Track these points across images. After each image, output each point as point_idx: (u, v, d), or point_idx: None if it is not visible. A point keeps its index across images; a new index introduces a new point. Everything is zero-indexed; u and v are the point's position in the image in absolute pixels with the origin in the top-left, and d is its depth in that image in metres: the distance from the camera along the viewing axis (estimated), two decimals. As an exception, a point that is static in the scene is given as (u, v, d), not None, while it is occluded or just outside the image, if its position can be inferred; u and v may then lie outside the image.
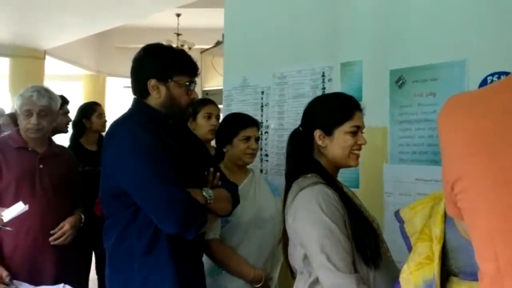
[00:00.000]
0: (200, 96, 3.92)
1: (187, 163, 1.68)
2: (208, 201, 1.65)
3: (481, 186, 0.76)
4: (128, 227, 1.62)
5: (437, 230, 1.25)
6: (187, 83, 1.69)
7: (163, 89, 1.67)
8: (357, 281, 1.36)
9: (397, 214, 1.37)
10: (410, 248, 1.31)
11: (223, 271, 2.02)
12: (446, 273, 1.27)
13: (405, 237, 1.35)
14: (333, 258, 1.37)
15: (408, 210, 1.42)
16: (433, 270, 1.22)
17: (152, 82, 1.66)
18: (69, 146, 3.29)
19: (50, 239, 2.20)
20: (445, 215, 1.24)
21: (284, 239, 1.59)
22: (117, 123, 1.72)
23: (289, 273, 1.63)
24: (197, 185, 1.69)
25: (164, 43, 1.91)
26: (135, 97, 1.75)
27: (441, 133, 0.85)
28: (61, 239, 2.21)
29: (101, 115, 3.45)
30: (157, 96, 1.68)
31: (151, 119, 1.67)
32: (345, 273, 1.36)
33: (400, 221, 1.36)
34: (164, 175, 1.55)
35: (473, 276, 1.12)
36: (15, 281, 2.02)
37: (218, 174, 1.80)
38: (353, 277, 1.36)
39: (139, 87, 1.70)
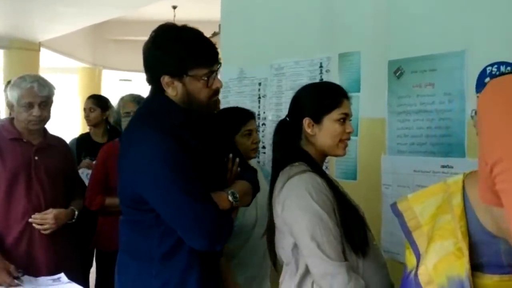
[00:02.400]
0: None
1: (208, 160, 1.58)
2: (234, 205, 1.58)
3: None
4: (149, 231, 1.52)
5: (461, 225, 1.17)
6: (205, 76, 1.49)
7: (178, 85, 1.49)
8: (347, 269, 1.36)
9: (394, 207, 1.28)
10: (413, 244, 1.23)
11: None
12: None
13: (407, 232, 1.26)
14: (324, 247, 1.36)
15: (407, 202, 1.31)
16: (464, 266, 1.14)
17: (165, 79, 1.48)
18: (80, 135, 3.47)
19: (30, 220, 2.12)
20: (466, 209, 1.17)
21: (269, 230, 1.57)
22: (138, 126, 1.55)
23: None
24: (219, 176, 1.62)
25: None
26: (156, 92, 1.56)
27: (482, 114, 0.84)
28: (39, 226, 2.13)
29: (90, 109, 3.45)
30: (173, 93, 1.50)
31: (172, 120, 1.50)
32: (336, 261, 1.36)
33: (398, 214, 1.28)
34: (192, 190, 1.44)
35: (499, 269, 1.12)
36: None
37: (237, 160, 1.69)
38: (344, 265, 1.36)
39: (153, 83, 1.54)
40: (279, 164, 1.56)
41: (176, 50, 1.47)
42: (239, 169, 1.70)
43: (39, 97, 2.16)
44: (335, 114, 1.53)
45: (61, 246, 2.22)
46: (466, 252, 1.13)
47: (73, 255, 2.30)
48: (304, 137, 1.56)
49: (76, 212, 2.29)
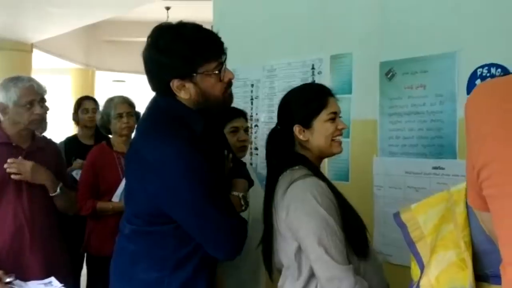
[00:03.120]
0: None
1: (219, 163, 1.57)
2: (243, 208, 1.59)
3: None
4: (165, 240, 1.48)
5: (464, 235, 1.13)
6: (216, 69, 1.40)
7: (190, 86, 1.40)
8: (353, 272, 1.36)
9: (397, 218, 1.25)
10: (417, 255, 1.21)
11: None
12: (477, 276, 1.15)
13: (410, 243, 1.23)
14: (331, 251, 1.36)
15: (411, 214, 1.27)
16: (468, 278, 1.10)
17: (175, 83, 1.39)
18: (66, 138, 3.34)
19: (5, 165, 2.06)
20: (468, 217, 1.13)
21: (267, 236, 1.55)
22: (154, 134, 1.45)
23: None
24: (223, 175, 1.60)
25: None
26: (166, 98, 1.45)
27: (470, 118, 0.84)
28: (15, 176, 2.07)
29: (87, 110, 3.40)
30: (186, 96, 1.41)
31: (191, 127, 1.43)
32: (343, 265, 1.36)
33: (401, 225, 1.25)
34: (220, 203, 1.43)
35: (500, 280, 1.02)
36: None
37: (231, 156, 1.67)
38: (350, 268, 1.36)
39: (162, 88, 1.44)
40: (276, 169, 1.54)
41: (180, 50, 1.38)
42: (231, 164, 1.69)
43: (38, 95, 2.16)
44: (324, 115, 1.52)
45: (51, 249, 2.19)
46: (469, 262, 1.10)
47: (63, 259, 2.28)
48: (298, 143, 1.55)
49: (60, 186, 2.19)
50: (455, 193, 1.19)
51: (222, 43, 1.44)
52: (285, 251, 1.49)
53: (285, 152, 1.55)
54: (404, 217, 1.25)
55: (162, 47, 1.40)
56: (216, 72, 1.41)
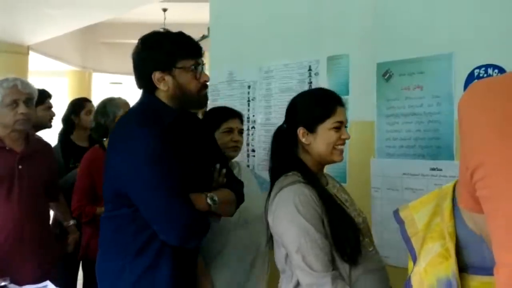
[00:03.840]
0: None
1: (194, 161, 1.64)
2: (212, 209, 1.62)
3: (509, 170, 0.73)
4: (126, 225, 1.58)
5: (448, 226, 1.21)
6: (193, 66, 1.58)
7: (169, 79, 1.57)
8: (333, 279, 1.37)
9: (396, 215, 1.32)
10: (411, 250, 1.26)
11: (209, 268, 1.99)
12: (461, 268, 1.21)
13: (407, 239, 1.29)
14: (309, 259, 1.39)
15: (408, 211, 1.35)
16: (451, 267, 1.16)
17: (156, 75, 1.57)
18: (59, 141, 3.24)
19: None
20: (454, 210, 1.20)
21: (271, 238, 1.59)
22: (127, 123, 1.63)
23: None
24: (203, 183, 1.66)
25: None
26: (144, 91, 1.65)
27: (463, 118, 0.83)
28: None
29: (91, 112, 3.37)
30: (164, 88, 1.58)
31: (161, 119, 1.58)
32: (320, 272, 1.38)
33: (400, 221, 1.31)
34: (171, 186, 1.51)
35: (483, 271, 1.12)
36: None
37: (224, 171, 1.74)
38: (329, 275, 1.38)
39: (145, 83, 1.62)
40: (275, 174, 1.58)
41: (164, 45, 1.58)
42: (225, 180, 1.74)
43: (23, 94, 2.12)
44: (329, 123, 1.53)
45: (46, 253, 2.18)
46: (452, 252, 1.16)
47: (58, 263, 2.27)
48: (300, 145, 1.57)
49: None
50: (445, 188, 1.26)
51: (201, 48, 1.64)
52: (277, 255, 1.54)
53: (286, 154, 1.57)
54: (402, 214, 1.31)
55: (147, 44, 1.61)
56: (193, 68, 1.58)
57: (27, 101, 2.13)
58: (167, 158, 1.51)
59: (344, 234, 1.44)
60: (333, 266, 1.41)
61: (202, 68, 1.62)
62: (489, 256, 1.06)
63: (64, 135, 3.33)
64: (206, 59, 1.76)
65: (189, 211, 1.52)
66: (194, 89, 1.60)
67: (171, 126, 1.58)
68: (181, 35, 1.63)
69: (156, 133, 1.53)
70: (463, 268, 1.18)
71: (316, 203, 1.45)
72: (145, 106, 1.63)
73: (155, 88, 1.59)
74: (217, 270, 1.97)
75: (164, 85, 1.57)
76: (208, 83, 1.66)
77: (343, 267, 1.42)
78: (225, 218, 1.90)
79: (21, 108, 2.10)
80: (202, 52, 1.64)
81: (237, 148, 2.10)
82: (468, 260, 1.18)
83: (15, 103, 2.10)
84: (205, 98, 1.69)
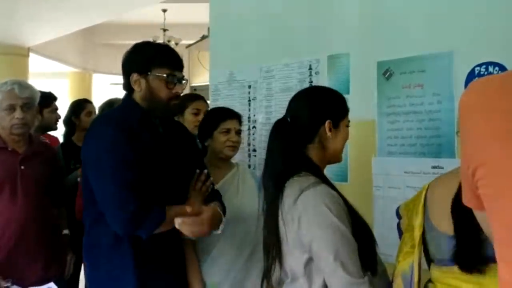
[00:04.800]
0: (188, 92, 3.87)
1: (167, 162, 1.71)
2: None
3: (510, 168, 0.73)
4: (98, 220, 1.66)
5: (418, 218, 1.30)
6: (166, 76, 1.68)
7: (143, 82, 1.69)
8: (369, 283, 1.30)
9: (397, 210, 1.40)
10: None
11: (203, 265, 1.99)
12: (429, 260, 1.36)
13: (401, 234, 1.38)
14: (348, 265, 1.29)
15: (404, 206, 1.45)
16: (415, 256, 1.29)
17: (134, 77, 1.70)
18: (62, 143, 3.26)
19: None
20: (424, 206, 1.33)
21: (270, 244, 1.45)
22: (95, 119, 1.75)
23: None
24: (179, 185, 1.74)
25: (151, 39, 1.93)
26: (126, 93, 1.79)
27: (464, 117, 0.83)
28: None
29: (91, 113, 3.38)
30: (138, 89, 1.71)
31: (129, 115, 1.70)
32: (359, 278, 1.29)
33: (399, 217, 1.39)
34: (120, 176, 1.58)
35: (440, 262, 1.29)
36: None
37: (210, 182, 1.82)
38: (366, 280, 1.30)
39: (126, 82, 1.74)
40: (280, 175, 1.43)
41: (145, 51, 1.73)
42: (209, 189, 1.82)
43: (20, 99, 2.12)
44: (346, 120, 1.52)
45: (49, 254, 2.18)
46: (416, 242, 1.30)
47: (61, 264, 2.27)
48: (318, 140, 1.46)
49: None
50: (427, 184, 1.37)
51: (181, 64, 1.75)
52: (292, 262, 1.40)
53: (293, 152, 1.44)
54: (401, 210, 1.41)
55: (135, 48, 1.75)
56: (166, 78, 1.68)
57: (24, 105, 2.14)
58: (119, 148, 1.60)
59: (366, 240, 1.37)
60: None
61: (179, 81, 1.72)
62: (446, 249, 1.25)
63: (66, 137, 3.35)
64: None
65: (136, 201, 1.56)
66: (164, 97, 1.69)
67: (141, 122, 1.69)
68: (165, 47, 1.79)
69: (116, 124, 1.65)
70: (432, 259, 1.32)
71: (343, 204, 1.36)
72: (119, 106, 1.79)
73: (132, 89, 1.72)
74: (213, 264, 1.99)
75: (138, 87, 1.70)
76: (181, 94, 1.78)
77: (366, 273, 1.34)
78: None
79: (17, 113, 2.12)
80: (181, 66, 1.75)
81: (234, 148, 2.11)
82: (432, 252, 1.32)
83: (12, 108, 2.11)
84: (173, 107, 1.77)
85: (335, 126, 1.48)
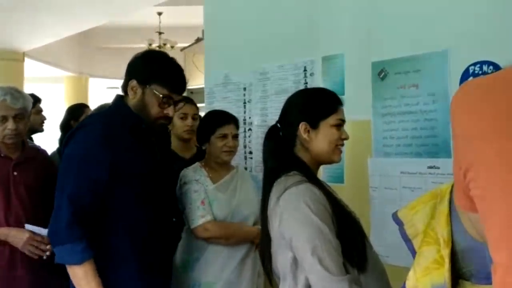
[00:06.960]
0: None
1: (149, 171, 1.73)
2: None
3: (500, 169, 0.73)
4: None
5: (444, 232, 1.16)
6: (162, 96, 1.66)
7: (139, 92, 1.69)
8: (350, 282, 1.29)
9: (394, 216, 1.30)
10: (413, 251, 1.24)
11: (196, 265, 2.00)
12: (455, 277, 1.17)
13: (406, 240, 1.27)
14: (325, 261, 1.30)
15: (406, 211, 1.32)
16: (444, 275, 1.13)
17: (133, 83, 1.69)
18: (58, 148, 3.24)
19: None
20: (450, 215, 1.16)
21: (264, 243, 1.51)
22: (83, 121, 1.77)
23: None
24: (158, 193, 1.75)
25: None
26: (117, 93, 1.78)
27: (455, 117, 0.82)
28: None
29: None
30: (132, 96, 1.70)
31: (123, 120, 1.70)
32: (338, 275, 1.29)
33: (399, 223, 1.29)
34: (71, 192, 1.58)
35: (487, 279, 1.00)
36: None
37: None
38: (346, 279, 1.29)
39: (124, 84, 1.74)
40: (273, 174, 1.48)
41: (153, 62, 1.71)
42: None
43: (13, 110, 2.11)
44: (332, 120, 1.50)
45: (43, 263, 2.16)
46: (447, 259, 1.12)
47: (56, 273, 2.24)
48: (299, 143, 1.50)
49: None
50: (443, 190, 1.22)
51: (183, 88, 1.73)
52: (279, 261, 1.43)
53: (284, 153, 1.50)
54: (401, 215, 1.29)
55: (146, 55, 1.75)
56: (162, 98, 1.66)
57: (17, 116, 2.12)
58: (95, 169, 1.59)
59: (352, 236, 1.38)
60: (346, 269, 1.33)
61: (174, 104, 1.69)
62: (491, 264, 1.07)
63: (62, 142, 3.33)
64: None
65: (71, 225, 1.56)
66: (153, 114, 1.68)
67: (132, 129, 1.69)
68: (174, 66, 1.72)
69: (97, 132, 1.63)
70: (464, 276, 1.13)
71: (325, 203, 1.38)
72: (112, 108, 1.77)
73: (127, 93, 1.72)
74: (207, 264, 2.00)
75: (133, 94, 1.69)
76: (170, 116, 1.73)
77: (353, 271, 1.35)
78: (216, 213, 2.05)
79: (10, 124, 2.10)
80: (183, 89, 1.73)
81: (231, 153, 2.13)
82: (471, 268, 1.12)
83: (4, 119, 2.10)
84: (159, 126, 1.76)
85: (314, 127, 1.49)
